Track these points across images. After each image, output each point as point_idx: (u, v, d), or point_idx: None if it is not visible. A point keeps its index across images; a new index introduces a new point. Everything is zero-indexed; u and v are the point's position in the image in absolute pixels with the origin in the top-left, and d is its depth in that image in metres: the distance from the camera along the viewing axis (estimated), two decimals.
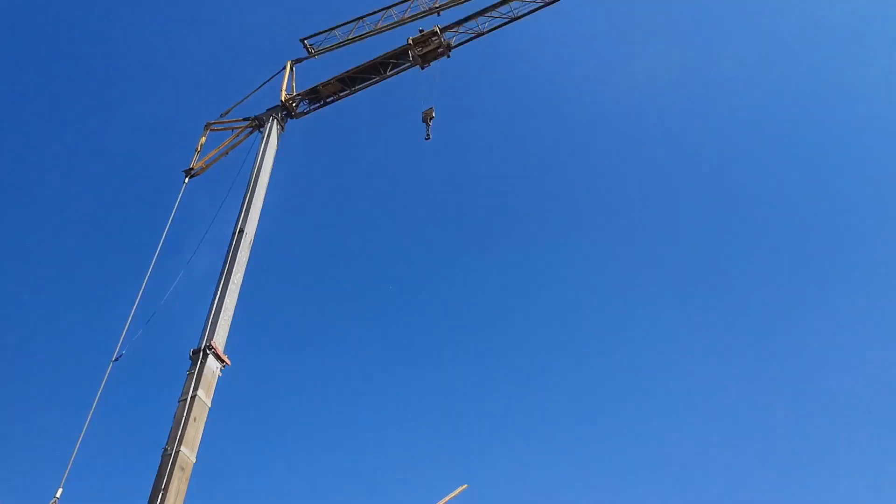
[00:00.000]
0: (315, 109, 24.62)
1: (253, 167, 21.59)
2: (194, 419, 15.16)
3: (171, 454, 14.36)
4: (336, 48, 25.56)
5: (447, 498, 25.17)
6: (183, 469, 14.32)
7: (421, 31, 24.37)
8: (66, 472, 15.35)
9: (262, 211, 20.41)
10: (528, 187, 59.30)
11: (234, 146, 23.99)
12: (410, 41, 24.01)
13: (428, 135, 23.91)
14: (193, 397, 15.37)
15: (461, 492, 25.55)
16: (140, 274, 19.77)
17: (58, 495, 15.12)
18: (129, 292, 19.65)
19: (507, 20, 24.26)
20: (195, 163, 23.65)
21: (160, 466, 14.28)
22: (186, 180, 22.88)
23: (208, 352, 16.29)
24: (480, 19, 24.53)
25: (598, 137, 58.87)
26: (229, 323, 17.44)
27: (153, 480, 13.85)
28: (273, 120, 23.36)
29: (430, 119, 24.12)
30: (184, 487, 14.12)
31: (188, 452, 14.61)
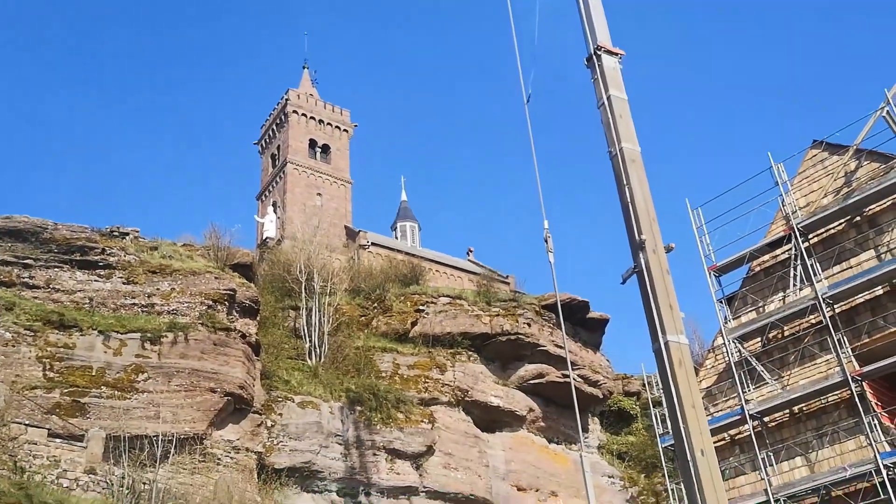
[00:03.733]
0: None
1: None
2: (620, 116, 15.21)
3: (616, 153, 14.71)
4: None
5: None
6: (633, 161, 14.62)
7: None
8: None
9: None
10: None
11: None
12: None
13: None
14: (609, 97, 15.37)
15: None
16: None
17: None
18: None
19: None
20: None
21: (614, 168, 14.77)
22: None
23: (599, 52, 16.00)
24: None
25: None
26: (603, 17, 16.83)
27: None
28: None
29: None
30: (643, 175, 14.46)
31: (630, 146, 14.82)
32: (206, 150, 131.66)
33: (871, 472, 18.80)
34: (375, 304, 35.16)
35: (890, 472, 18.68)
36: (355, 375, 30.69)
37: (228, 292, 27.51)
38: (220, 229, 31.53)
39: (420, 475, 29.85)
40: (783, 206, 22.55)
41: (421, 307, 34.62)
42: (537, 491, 32.25)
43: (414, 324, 34.21)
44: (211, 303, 26.73)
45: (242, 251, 31.62)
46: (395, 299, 35.03)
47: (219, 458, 24.52)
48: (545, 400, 34.35)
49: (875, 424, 19.50)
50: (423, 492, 29.67)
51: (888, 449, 19.17)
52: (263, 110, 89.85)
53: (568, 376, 29.95)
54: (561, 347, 33.02)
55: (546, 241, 18.04)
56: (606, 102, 15.36)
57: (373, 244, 49.84)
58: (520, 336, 33.82)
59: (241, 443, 25.56)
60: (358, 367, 31.18)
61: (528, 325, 34.16)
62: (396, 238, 57.02)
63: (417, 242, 57.29)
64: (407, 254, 47.48)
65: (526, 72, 17.88)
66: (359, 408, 29.41)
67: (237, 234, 33.91)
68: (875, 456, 18.79)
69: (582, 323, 36.99)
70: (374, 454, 29.14)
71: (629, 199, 14.09)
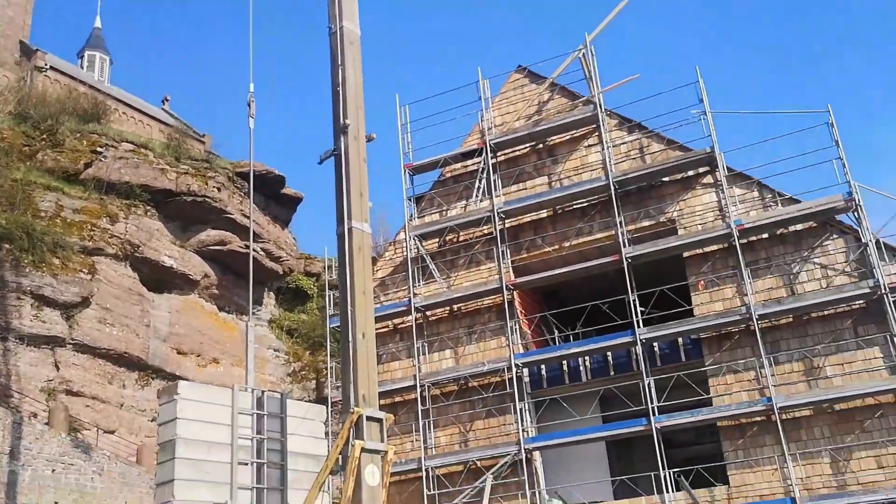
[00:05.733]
0: None
1: None
2: None
3: (336, 31, 14.29)
4: None
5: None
6: (352, 43, 14.32)
7: None
8: None
9: None
10: None
11: None
12: None
13: None
14: None
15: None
16: None
17: None
18: None
19: None
20: None
21: (331, 46, 14.35)
22: None
23: None
24: None
25: None
26: None
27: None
28: None
29: None
30: (358, 59, 14.25)
31: (351, 27, 14.46)
32: None
33: (504, 368, 21.32)
34: (45, 136, 31.36)
35: (518, 371, 21.36)
36: (7, 210, 27.35)
37: None
38: None
39: (70, 326, 27.97)
40: (481, 120, 23.88)
41: (99, 149, 31.63)
42: (199, 356, 31.95)
43: (88, 165, 31.23)
44: None
45: None
46: (70, 135, 31.54)
47: None
48: (223, 267, 33.74)
49: (516, 329, 22.03)
50: (70, 344, 27.91)
51: (521, 351, 21.85)
52: None
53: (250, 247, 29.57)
54: (248, 217, 32.43)
55: (249, 106, 17.30)
56: None
57: (52, 68, 44.08)
58: (207, 199, 32.56)
59: None
60: (13, 201, 27.80)
61: (218, 189, 32.97)
62: (82, 68, 51.06)
63: (107, 78, 51.89)
64: (92, 87, 42.72)
65: None
66: (7, 245, 26.43)
67: None
68: (510, 356, 21.31)
69: (275, 197, 36.58)
70: (19, 298, 26.66)
71: (340, 81, 13.86)
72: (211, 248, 32.95)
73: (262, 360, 32.74)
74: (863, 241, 19.06)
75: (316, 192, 76.71)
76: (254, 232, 26.48)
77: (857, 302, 18.85)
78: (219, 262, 33.57)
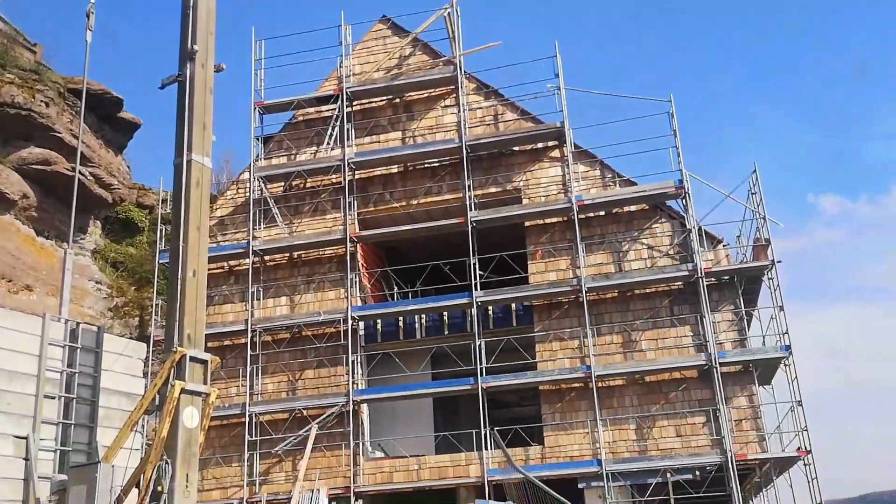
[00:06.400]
0: None
1: None
2: None
3: None
4: None
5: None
6: None
7: None
8: None
9: None
10: None
11: None
12: None
13: None
14: None
15: None
16: None
17: None
18: None
19: None
20: None
21: None
22: None
23: None
24: None
25: None
26: None
27: None
28: None
29: None
30: None
31: None
32: None
33: (340, 319, 21.17)
34: None
35: (354, 323, 21.31)
36: None
37: None
38: None
39: None
40: (340, 67, 23.30)
41: None
42: (10, 282, 29.48)
43: None
44: None
45: None
46: None
47: None
48: (45, 189, 31.14)
49: (356, 282, 21.91)
50: None
51: (359, 304, 21.77)
52: None
53: (76, 170, 27.41)
54: (77, 138, 30.03)
55: (88, 17, 15.93)
56: None
57: None
58: (33, 114, 29.81)
59: None
60: None
61: (47, 104, 30.25)
62: None
63: None
64: None
65: None
66: None
67: None
68: (347, 308, 21.19)
69: (110, 120, 34.09)
70: None
71: (192, 3, 12.98)
72: (33, 166, 30.28)
73: (82, 292, 30.75)
74: (687, 227, 20.38)
75: (156, 119, 72.39)
76: (83, 154, 24.56)
77: (676, 283, 20.19)
78: (41, 182, 30.94)
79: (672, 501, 18.44)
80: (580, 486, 19.03)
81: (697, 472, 18.55)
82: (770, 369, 20.08)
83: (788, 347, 19.10)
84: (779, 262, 19.72)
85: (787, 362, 19.25)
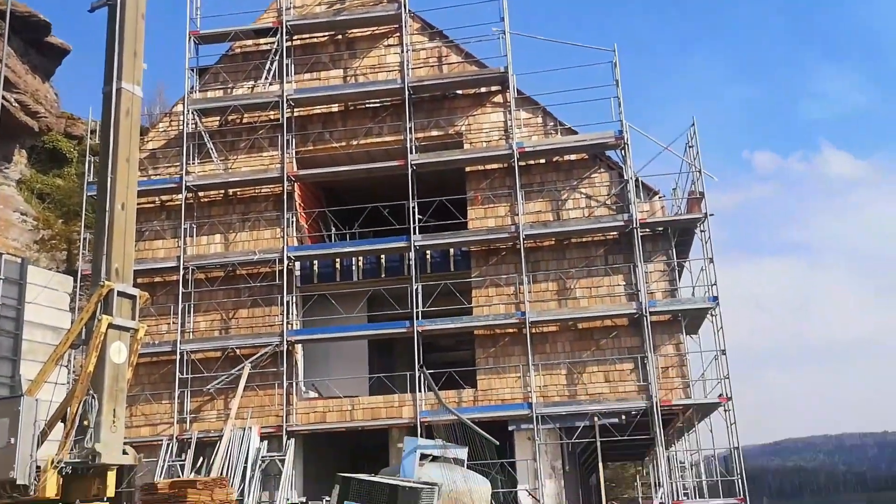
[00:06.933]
0: None
1: None
2: None
3: None
4: None
5: None
6: None
7: None
8: None
9: None
10: None
11: None
12: None
13: None
14: None
15: None
16: None
17: None
18: None
19: None
20: None
21: None
22: None
23: None
24: None
25: None
26: None
27: None
28: None
29: None
30: None
31: None
32: None
33: (275, 259, 20.91)
34: None
35: (290, 263, 21.08)
36: None
37: None
38: None
39: None
40: None
41: None
42: None
43: None
44: None
45: None
46: None
47: None
48: None
49: (293, 221, 21.61)
50: None
51: (296, 244, 21.52)
52: None
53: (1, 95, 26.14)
54: (1, 62, 28.53)
55: None
56: None
57: None
58: None
59: None
60: None
61: None
62: None
63: None
64: None
65: None
66: None
67: None
68: (283, 247, 20.92)
69: (37, 45, 32.39)
70: None
71: None
72: None
73: (7, 224, 29.60)
74: (625, 177, 20.61)
75: (87, 46, 69.31)
76: (7, 79, 23.34)
77: (611, 233, 20.50)
78: None
79: (598, 444, 19.04)
80: (510, 428, 19.45)
81: (623, 417, 19.14)
82: (698, 319, 20.68)
83: (716, 298, 19.67)
84: (711, 215, 20.17)
85: (713, 313, 19.84)
